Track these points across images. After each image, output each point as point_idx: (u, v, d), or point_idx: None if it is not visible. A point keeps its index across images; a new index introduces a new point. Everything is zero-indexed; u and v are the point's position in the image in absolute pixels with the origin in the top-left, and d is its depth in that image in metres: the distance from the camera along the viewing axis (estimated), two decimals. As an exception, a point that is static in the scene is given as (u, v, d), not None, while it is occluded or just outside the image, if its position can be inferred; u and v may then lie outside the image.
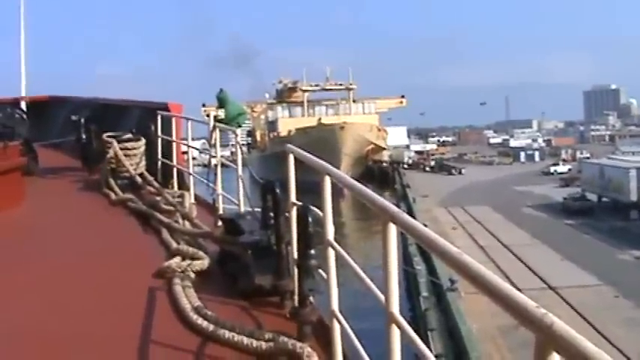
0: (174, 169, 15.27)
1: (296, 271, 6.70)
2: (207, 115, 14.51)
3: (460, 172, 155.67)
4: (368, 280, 4.76)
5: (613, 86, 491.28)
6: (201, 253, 8.72)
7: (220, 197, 12.22)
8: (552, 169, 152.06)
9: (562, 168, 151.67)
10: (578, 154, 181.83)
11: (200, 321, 6.53)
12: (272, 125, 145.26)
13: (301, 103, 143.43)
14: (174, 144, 15.82)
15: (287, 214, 7.09)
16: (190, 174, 14.41)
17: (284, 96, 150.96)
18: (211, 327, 6.38)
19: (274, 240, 7.29)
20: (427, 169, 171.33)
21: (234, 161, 12.05)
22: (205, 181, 13.67)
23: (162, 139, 15.96)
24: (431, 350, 3.82)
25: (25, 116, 19.10)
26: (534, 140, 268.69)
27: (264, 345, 6.00)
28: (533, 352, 2.27)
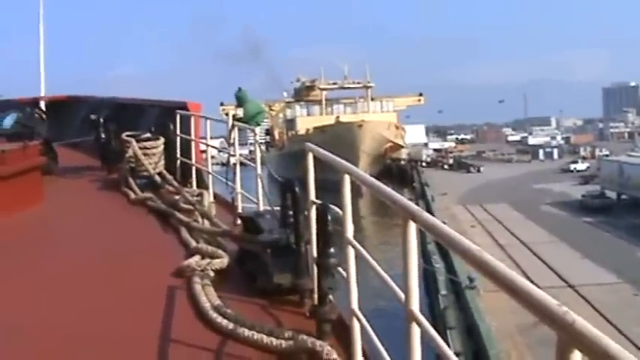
0: (193, 168, 15.30)
1: (315, 269, 6.71)
2: (226, 114, 14.55)
3: (479, 170, 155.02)
4: (388, 278, 4.76)
5: (632, 83, 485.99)
6: (220, 251, 8.75)
7: (239, 196, 12.23)
8: (572, 166, 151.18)
9: (582, 165, 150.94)
10: (597, 152, 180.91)
11: (220, 319, 6.55)
12: (290, 124, 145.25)
13: (319, 102, 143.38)
14: (192, 143, 15.85)
15: (306, 213, 7.10)
16: (209, 173, 14.44)
17: (302, 94, 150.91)
18: (231, 325, 6.40)
19: (294, 238, 7.32)
20: (445, 167, 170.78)
21: (253, 160, 12.07)
22: (224, 179, 13.69)
23: (181, 138, 15.99)
24: (450, 348, 3.82)
25: (44, 116, 19.24)
26: (553, 138, 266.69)
27: (283, 343, 6.01)
28: (555, 350, 2.27)
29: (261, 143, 13.34)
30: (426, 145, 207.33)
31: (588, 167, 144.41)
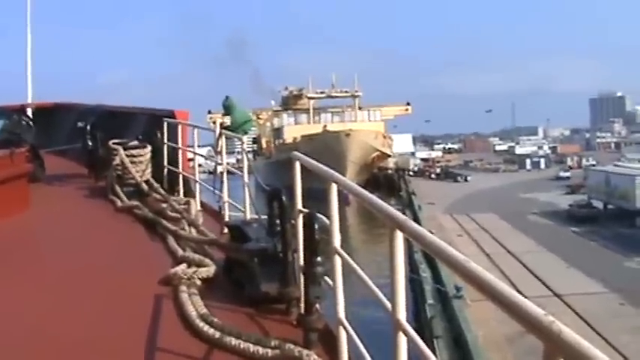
0: (181, 177, 15.29)
1: (302, 278, 6.69)
2: (214, 122, 14.55)
3: (466, 180, 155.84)
4: (375, 288, 4.76)
5: (619, 93, 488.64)
6: (207, 260, 8.72)
7: (226, 204, 12.24)
8: (565, 174, 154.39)
9: (568, 173, 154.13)
10: (583, 162, 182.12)
11: (206, 328, 6.53)
12: (278, 132, 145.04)
13: (307, 110, 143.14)
14: (180, 151, 15.85)
15: (293, 222, 7.10)
16: (196, 181, 14.43)
17: (290, 103, 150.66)
18: (217, 334, 6.38)
19: (280, 247, 7.29)
20: (433, 176, 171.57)
21: (240, 168, 12.07)
22: (211, 188, 13.68)
23: (169, 146, 15.99)
24: (437, 358, 3.83)
25: (31, 123, 19.18)
26: (540, 147, 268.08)
27: (270, 352, 6.00)
28: (542, 360, 2.28)
29: (248, 152, 13.33)
30: (413, 154, 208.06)
31: (569, 177, 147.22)
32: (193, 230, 10.88)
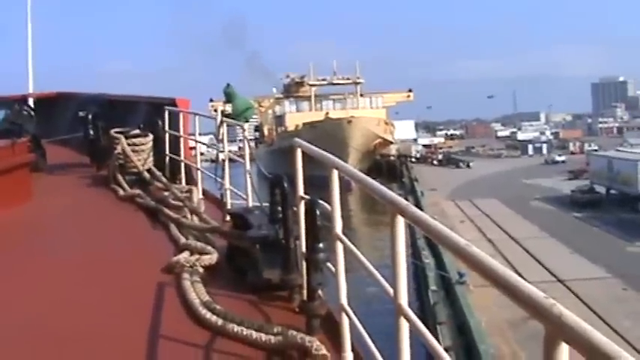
0: (182, 165, 15.28)
1: (304, 265, 6.70)
2: (215, 110, 14.50)
3: (468, 166, 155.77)
4: (377, 273, 4.76)
5: (621, 78, 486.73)
6: (209, 247, 8.74)
7: (228, 192, 12.22)
8: (561, 158, 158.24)
9: (560, 158, 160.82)
10: (586, 147, 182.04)
11: (209, 315, 6.54)
12: (279, 120, 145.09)
13: (308, 98, 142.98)
14: (181, 139, 15.84)
15: (295, 209, 7.09)
16: (198, 169, 14.42)
17: (291, 90, 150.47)
18: (220, 321, 6.39)
19: (282, 234, 7.30)
20: (435, 162, 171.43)
21: (242, 156, 12.04)
22: (213, 176, 13.66)
23: (170, 135, 15.97)
24: (440, 343, 3.82)
25: (32, 113, 19.18)
26: (542, 133, 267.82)
27: (273, 339, 6.01)
28: (543, 343, 2.27)
29: (250, 140, 13.30)
30: (415, 140, 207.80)
31: (564, 161, 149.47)
32: (195, 218, 10.89)
